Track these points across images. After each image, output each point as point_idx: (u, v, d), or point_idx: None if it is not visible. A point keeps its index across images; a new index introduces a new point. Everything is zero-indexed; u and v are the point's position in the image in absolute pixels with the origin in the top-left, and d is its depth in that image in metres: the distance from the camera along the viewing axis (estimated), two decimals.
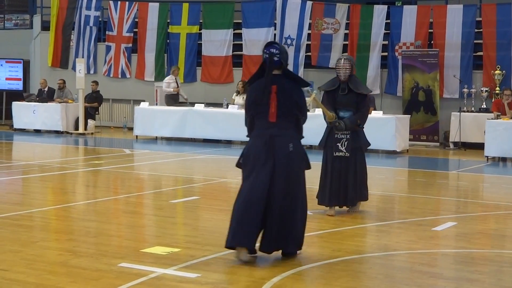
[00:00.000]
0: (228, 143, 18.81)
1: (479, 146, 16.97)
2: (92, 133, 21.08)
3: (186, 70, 22.56)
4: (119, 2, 23.53)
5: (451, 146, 18.30)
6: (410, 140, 18.06)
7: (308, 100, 7.35)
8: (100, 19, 24.19)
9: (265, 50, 6.86)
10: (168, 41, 23.01)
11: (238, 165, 6.96)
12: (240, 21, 22.06)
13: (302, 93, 6.93)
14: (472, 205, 10.58)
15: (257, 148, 6.75)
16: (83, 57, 23.45)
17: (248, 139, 7.03)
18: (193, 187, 11.80)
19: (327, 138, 9.06)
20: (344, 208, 9.28)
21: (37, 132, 21.45)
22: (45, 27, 24.87)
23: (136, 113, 19.92)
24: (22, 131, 21.63)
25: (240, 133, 17.76)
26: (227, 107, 18.90)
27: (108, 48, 23.77)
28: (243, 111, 19.06)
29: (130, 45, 23.53)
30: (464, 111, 18.28)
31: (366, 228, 8.60)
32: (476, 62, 19.47)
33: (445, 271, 6.59)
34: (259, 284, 6.02)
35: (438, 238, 8.08)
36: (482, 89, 18.68)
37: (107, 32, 23.88)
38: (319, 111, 9.33)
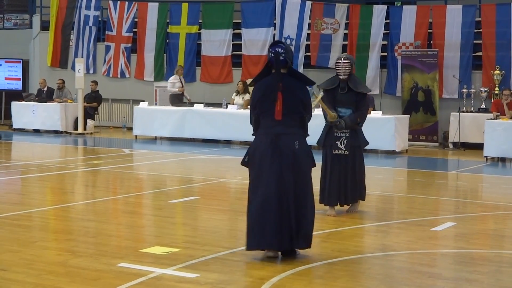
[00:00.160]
0: (228, 143, 18.81)
1: (478, 146, 16.98)
2: (91, 133, 21.08)
3: (186, 70, 22.51)
4: (118, 2, 23.53)
5: (450, 146, 18.31)
6: (409, 140, 18.07)
7: (313, 102, 7.38)
8: (99, 19, 24.19)
9: (270, 50, 6.91)
10: (167, 41, 23.01)
11: (244, 163, 6.99)
12: (240, 21, 22.06)
13: (307, 91, 7.00)
14: (471, 205, 10.59)
15: (263, 147, 6.80)
16: (82, 57, 23.46)
17: (253, 137, 7.05)
18: (192, 187, 11.80)
19: (326, 136, 9.08)
20: (344, 207, 9.28)
21: (36, 132, 21.45)
22: (45, 27, 24.87)
23: (135, 113, 19.93)
24: (21, 131, 21.63)
25: (240, 133, 18.05)
26: (227, 107, 18.91)
27: (108, 48, 23.78)
28: (242, 111, 19.30)
29: (130, 45, 23.54)
30: (463, 111, 18.29)
31: (365, 228, 8.60)
32: (475, 62, 19.47)
33: (444, 271, 6.59)
34: (258, 284, 6.03)
35: (437, 238, 8.08)
36: (482, 89, 18.68)
37: (106, 32, 23.89)
38: (318, 111, 9.29)
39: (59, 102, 21.35)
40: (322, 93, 8.78)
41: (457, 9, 19.55)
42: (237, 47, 22.16)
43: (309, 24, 20.99)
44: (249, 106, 19.16)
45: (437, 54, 19.06)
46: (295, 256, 6.86)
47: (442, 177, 13.92)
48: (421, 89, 19.14)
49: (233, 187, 12.00)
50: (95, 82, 22.09)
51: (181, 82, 20.33)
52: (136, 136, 19.86)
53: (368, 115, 16.36)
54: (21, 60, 25.20)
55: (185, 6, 22.74)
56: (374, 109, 17.60)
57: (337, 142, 8.99)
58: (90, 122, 21.34)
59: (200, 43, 22.48)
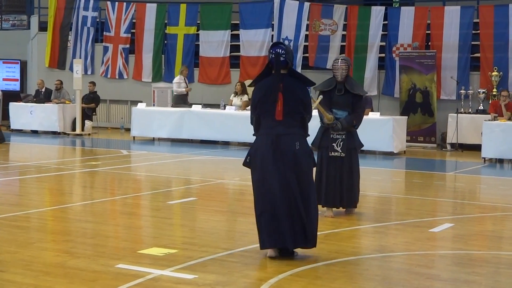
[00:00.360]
0: (226, 144, 18.81)
1: (476, 148, 17.00)
2: (89, 134, 21.07)
3: None
4: (116, 3, 23.54)
5: (448, 147, 18.32)
6: (407, 141, 18.06)
7: (312, 105, 7.41)
8: (97, 20, 24.19)
9: (271, 50, 6.95)
10: (165, 42, 23.01)
11: (246, 164, 7.03)
12: (238, 22, 22.07)
13: (308, 92, 7.07)
14: (469, 207, 10.58)
15: (264, 148, 6.84)
16: (80, 57, 23.45)
17: (253, 138, 7.10)
18: (191, 188, 11.79)
19: (322, 138, 9.09)
20: (340, 209, 9.28)
21: (34, 133, 21.44)
22: (43, 27, 24.87)
23: (133, 114, 19.92)
24: (19, 131, 21.62)
25: (238, 134, 18.05)
26: (225, 108, 18.91)
27: (106, 49, 23.78)
28: (240, 112, 19.29)
29: (128, 46, 23.54)
30: (461, 113, 18.31)
31: (363, 229, 8.60)
32: (473, 63, 19.49)
33: (442, 273, 6.59)
34: (256, 285, 6.03)
35: (435, 240, 8.08)
36: (479, 90, 18.71)
37: (104, 33, 23.88)
38: (314, 112, 9.30)
39: (57, 103, 21.34)
40: (321, 97, 8.79)
41: (455, 10, 19.57)
42: (235, 48, 22.16)
43: (307, 25, 20.99)
44: (247, 107, 19.37)
45: (435, 55, 19.08)
46: (293, 256, 6.87)
47: (440, 178, 13.93)
48: (419, 90, 19.15)
49: (231, 188, 12.00)
50: (93, 83, 22.09)
51: (185, 82, 20.34)
52: (134, 137, 19.85)
53: (366, 116, 16.42)
54: (19, 61, 25.21)
55: (183, 7, 22.74)
56: (372, 110, 17.61)
57: (333, 144, 9.00)
58: (88, 123, 21.32)
59: (198, 44, 22.49)
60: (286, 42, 20.63)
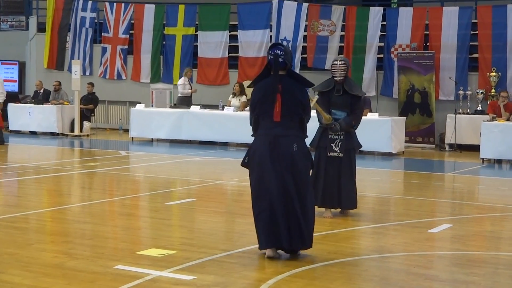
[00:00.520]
0: (224, 145, 18.80)
1: (475, 148, 17.01)
2: (87, 135, 21.06)
3: (182, 72, 22.53)
4: (115, 4, 23.53)
5: (447, 148, 18.32)
6: (405, 142, 18.07)
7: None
8: (96, 21, 24.18)
9: (270, 51, 6.98)
10: (164, 42, 23.01)
11: (244, 164, 7.07)
12: (236, 23, 22.07)
13: (306, 93, 7.08)
14: (467, 207, 10.59)
15: (262, 148, 6.87)
16: (78, 58, 23.43)
17: (252, 138, 7.13)
18: (189, 189, 11.79)
19: (320, 138, 9.09)
20: (337, 209, 9.28)
21: (33, 134, 21.43)
22: (41, 28, 24.86)
23: (132, 115, 19.92)
24: (18, 133, 21.60)
25: (236, 135, 18.05)
26: (223, 109, 18.90)
27: (104, 50, 23.77)
28: (239, 113, 19.28)
29: (126, 46, 23.53)
30: (459, 113, 18.32)
31: (361, 230, 8.60)
32: (471, 64, 19.50)
33: (441, 273, 6.59)
34: (255, 286, 6.03)
35: (434, 240, 8.08)
36: (478, 91, 18.71)
37: (103, 34, 23.88)
38: (312, 113, 9.30)
39: (55, 104, 21.33)
40: (317, 96, 8.79)
41: (454, 11, 19.58)
42: (233, 49, 22.16)
43: (306, 26, 21.00)
44: (246, 108, 19.35)
45: (433, 56, 19.09)
46: (297, 255, 6.92)
47: (439, 179, 13.94)
48: (418, 91, 19.16)
49: (230, 189, 12.00)
50: (92, 84, 22.08)
51: (189, 83, 20.34)
52: (132, 138, 19.85)
53: (364, 117, 16.42)
54: (17, 62, 25.19)
55: (181, 7, 22.74)
56: (370, 111, 17.61)
57: (332, 145, 9.00)
58: (86, 124, 21.31)
59: (197, 45, 22.49)
60: (285, 43, 20.63)
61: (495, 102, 17.60)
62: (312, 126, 9.39)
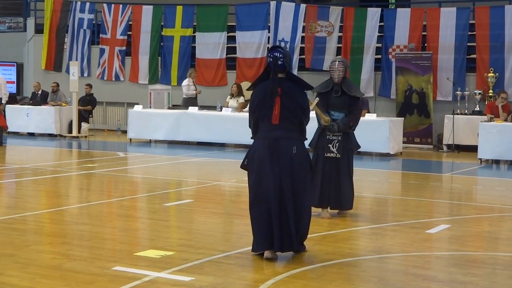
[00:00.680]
0: (222, 146, 18.80)
1: (473, 149, 17.02)
2: (85, 136, 21.05)
3: (180, 73, 22.55)
4: (112, 5, 23.53)
5: (445, 148, 18.33)
6: (403, 142, 18.08)
7: (310, 107, 7.44)
8: (94, 22, 24.18)
9: (269, 54, 7.01)
10: (162, 44, 23.01)
11: (243, 166, 7.10)
12: (234, 24, 22.07)
13: (305, 96, 7.11)
14: (465, 208, 10.60)
15: (261, 151, 6.90)
16: (76, 60, 23.44)
17: (251, 140, 7.16)
18: (187, 190, 11.79)
19: (318, 139, 9.10)
20: (334, 210, 9.29)
21: (31, 135, 21.42)
22: (39, 30, 24.86)
23: (130, 116, 19.91)
24: (16, 134, 21.58)
25: (234, 136, 18.05)
26: (221, 110, 18.90)
27: (102, 51, 23.77)
28: (237, 114, 19.26)
29: (124, 48, 23.53)
30: (457, 114, 18.33)
31: (359, 231, 8.60)
32: (469, 64, 19.51)
33: (439, 274, 6.60)
34: (253, 287, 6.04)
35: (432, 241, 8.09)
36: (476, 91, 18.71)
37: (100, 35, 23.88)
38: (312, 113, 9.32)
39: (53, 106, 21.31)
40: (317, 99, 8.81)
41: (451, 11, 19.59)
42: (231, 50, 22.17)
43: (304, 27, 21.01)
44: (244, 109, 19.36)
45: (431, 57, 19.10)
46: (296, 255, 6.95)
47: (437, 179, 13.94)
48: (415, 91, 19.16)
49: (228, 190, 12.00)
50: (90, 85, 22.08)
51: (194, 85, 20.33)
52: (130, 139, 19.84)
53: (362, 118, 16.39)
54: (15, 63, 25.18)
55: (179, 9, 22.74)
56: (368, 112, 17.63)
57: (329, 145, 9.01)
58: (84, 125, 21.30)
59: (195, 46, 22.49)
60: (282, 44, 20.65)
61: (493, 103, 17.62)
62: (311, 127, 9.43)
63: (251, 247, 7.05)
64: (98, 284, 5.98)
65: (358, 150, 9.52)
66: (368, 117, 16.89)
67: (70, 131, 21.17)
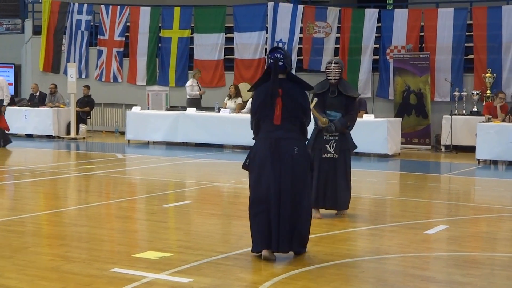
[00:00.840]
0: (220, 147, 18.80)
1: (471, 149, 17.03)
2: (84, 138, 21.05)
3: (178, 74, 22.57)
4: (110, 7, 23.53)
5: (443, 149, 18.35)
6: (401, 143, 18.09)
7: None
8: (91, 24, 24.18)
9: (269, 55, 7.05)
10: (159, 45, 23.01)
11: (245, 167, 7.13)
12: (232, 25, 22.07)
13: (307, 96, 7.16)
14: (463, 208, 10.61)
15: (263, 151, 6.94)
16: (74, 61, 23.42)
17: (251, 141, 7.20)
18: (185, 192, 11.79)
19: (315, 139, 9.12)
20: (331, 211, 9.29)
21: (29, 137, 21.40)
22: (37, 31, 24.84)
23: (128, 118, 19.91)
24: (14, 136, 21.52)
25: (232, 137, 18.06)
26: (219, 111, 18.90)
27: (100, 53, 23.76)
28: (235, 115, 19.26)
29: (122, 49, 23.52)
30: (455, 114, 18.34)
31: (357, 231, 8.60)
32: (467, 65, 19.53)
33: (437, 275, 6.60)
34: None
35: (430, 242, 8.09)
36: (473, 92, 18.74)
37: (98, 37, 23.87)
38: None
39: (51, 107, 21.30)
40: (316, 99, 8.83)
41: (449, 12, 19.61)
42: (229, 51, 22.17)
43: (301, 28, 21.02)
44: (242, 110, 19.35)
45: (428, 57, 19.11)
46: (296, 256, 6.97)
47: (435, 180, 13.95)
48: (413, 92, 19.17)
49: (226, 191, 12.00)
50: (88, 87, 22.07)
51: (198, 86, 20.31)
52: (128, 140, 19.84)
53: (360, 119, 16.40)
54: (13, 65, 25.17)
55: (177, 10, 22.75)
56: (366, 112, 17.64)
57: (327, 146, 9.03)
58: (82, 126, 21.30)
59: (192, 47, 22.49)
60: (280, 45, 20.65)
61: (490, 103, 17.64)
62: (309, 127, 9.44)
63: (249, 248, 7.05)
64: (96, 285, 5.98)
65: (355, 150, 9.55)
66: (366, 118, 16.91)
67: (68, 133, 21.16)
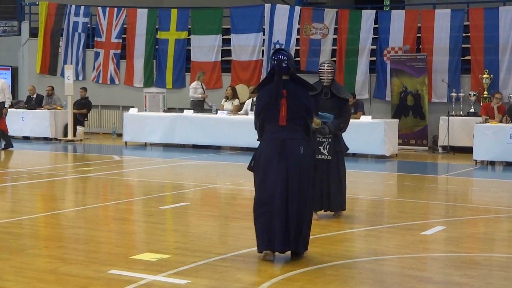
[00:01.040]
0: (217, 149, 18.80)
1: (468, 150, 17.04)
2: (81, 140, 21.04)
3: (175, 76, 22.57)
4: (107, 8, 23.53)
5: (440, 150, 18.35)
6: (399, 144, 18.10)
7: None
8: (88, 26, 24.17)
9: (273, 57, 7.11)
10: (156, 47, 23.01)
11: (250, 168, 7.17)
12: (229, 26, 22.09)
13: (310, 97, 7.24)
14: (461, 209, 10.61)
15: (268, 152, 6.99)
16: (71, 63, 23.40)
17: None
18: (183, 193, 11.79)
19: None
20: (329, 212, 9.29)
21: (26, 139, 21.39)
22: (34, 33, 24.83)
23: (125, 119, 19.90)
24: (11, 138, 21.51)
25: (230, 138, 18.06)
26: (216, 113, 18.90)
27: (97, 54, 23.76)
28: (232, 116, 19.24)
29: (119, 51, 23.52)
30: (452, 115, 18.35)
31: (355, 232, 8.61)
32: (464, 66, 19.55)
33: (435, 275, 6.61)
34: None
35: (428, 242, 8.10)
36: (470, 93, 18.76)
37: (95, 38, 23.87)
38: None
39: (48, 109, 21.30)
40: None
41: (446, 13, 19.63)
42: (226, 52, 22.17)
43: (298, 29, 21.03)
44: (239, 111, 19.34)
45: (426, 59, 19.12)
46: (296, 257, 6.98)
47: (432, 181, 13.96)
48: (410, 93, 19.19)
49: (224, 193, 12.00)
50: (85, 89, 22.06)
51: (202, 88, 20.30)
52: (126, 142, 19.83)
53: (357, 120, 16.42)
54: (10, 67, 25.16)
55: (174, 12, 22.75)
56: (363, 114, 17.64)
57: (320, 147, 9.05)
58: (79, 128, 21.29)
59: (190, 49, 22.49)
60: (277, 46, 20.67)
61: (488, 104, 17.65)
62: None
63: (247, 250, 7.07)
64: (94, 287, 5.97)
65: (348, 151, 9.58)
66: (363, 119, 16.91)
67: (65, 135, 21.16)
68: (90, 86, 22.99)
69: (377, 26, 20.29)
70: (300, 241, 6.93)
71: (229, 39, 21.99)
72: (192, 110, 19.29)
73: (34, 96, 22.12)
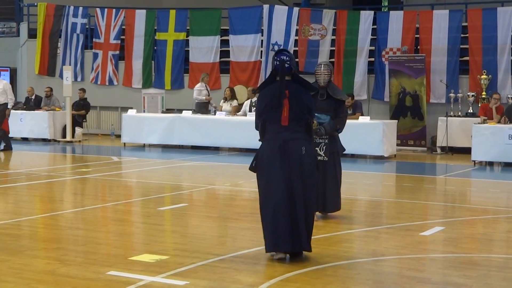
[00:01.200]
0: (216, 149, 18.80)
1: (466, 151, 17.04)
2: (79, 141, 21.04)
3: (173, 77, 22.57)
4: (106, 9, 23.53)
5: (438, 150, 18.36)
6: (397, 145, 18.10)
7: None
8: (87, 27, 24.17)
9: (275, 58, 7.14)
10: (155, 48, 23.01)
11: (252, 168, 7.20)
12: (227, 27, 22.09)
13: (312, 97, 7.30)
14: (459, 210, 10.62)
15: (271, 152, 7.01)
16: (70, 64, 23.42)
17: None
18: (181, 194, 11.78)
19: None
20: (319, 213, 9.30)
21: (25, 140, 21.38)
22: (32, 34, 24.83)
23: (123, 121, 19.89)
24: (10, 139, 21.51)
25: (228, 139, 18.07)
26: (215, 114, 18.90)
27: (95, 56, 23.76)
28: (230, 117, 19.24)
29: (117, 52, 23.52)
30: (451, 116, 18.36)
31: (354, 233, 8.61)
32: (462, 67, 19.55)
33: (433, 276, 6.61)
34: None
35: (426, 243, 8.10)
36: (469, 93, 18.76)
37: (94, 40, 23.87)
38: None
39: (47, 110, 21.30)
40: None
41: (444, 14, 19.64)
42: (225, 53, 22.18)
43: (297, 30, 21.03)
44: (237, 112, 19.33)
45: (424, 59, 19.13)
46: (296, 258, 6.99)
47: (431, 181, 13.96)
48: (409, 94, 19.20)
49: (222, 194, 12.00)
50: (83, 90, 22.06)
51: (207, 90, 20.29)
52: (124, 143, 19.83)
53: (356, 121, 16.43)
54: (8, 68, 25.15)
55: (172, 13, 22.75)
56: (362, 114, 17.65)
57: (317, 148, 9.05)
58: (78, 130, 21.30)
59: (188, 50, 22.50)
60: (276, 47, 20.68)
61: (486, 105, 17.66)
62: None
63: (245, 251, 7.07)
64: None
65: (346, 152, 9.57)
66: (362, 120, 16.92)
67: (64, 136, 21.15)
68: (89, 87, 22.98)
69: (375, 27, 20.30)
70: (305, 242, 6.94)
71: (228, 40, 22.00)
72: (191, 111, 19.30)
73: (33, 97, 22.11)
